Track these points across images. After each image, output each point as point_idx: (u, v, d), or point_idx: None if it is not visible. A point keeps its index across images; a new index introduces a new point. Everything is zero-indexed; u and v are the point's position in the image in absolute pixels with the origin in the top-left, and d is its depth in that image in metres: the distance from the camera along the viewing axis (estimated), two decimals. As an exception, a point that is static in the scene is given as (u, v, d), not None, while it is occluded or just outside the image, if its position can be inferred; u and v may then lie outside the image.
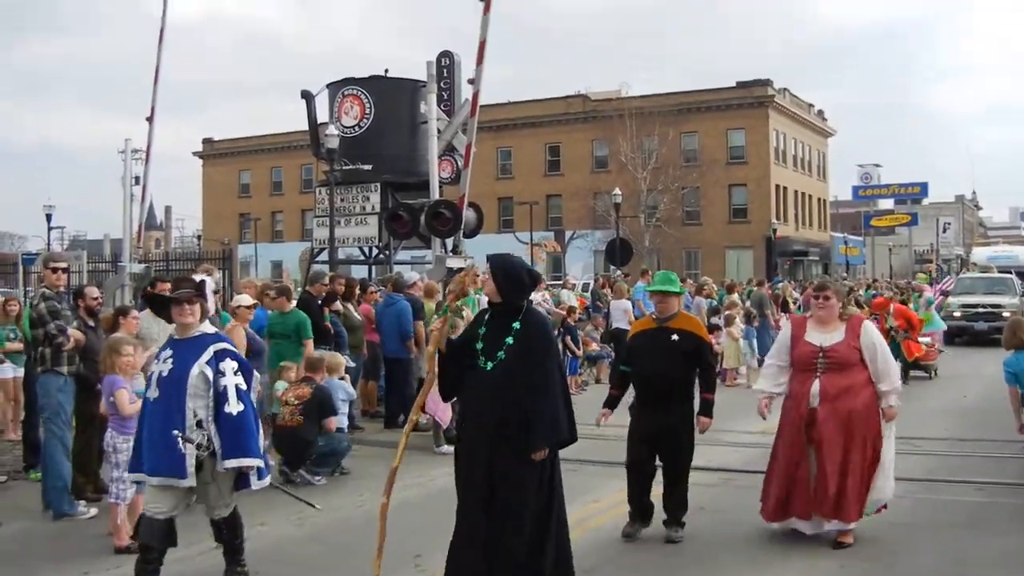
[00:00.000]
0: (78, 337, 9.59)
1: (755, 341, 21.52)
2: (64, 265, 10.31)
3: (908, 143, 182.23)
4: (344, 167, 24.89)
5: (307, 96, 25.99)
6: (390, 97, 25.52)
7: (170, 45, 24.06)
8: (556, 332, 9.16)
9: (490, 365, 6.29)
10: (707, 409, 8.37)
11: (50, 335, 9.34)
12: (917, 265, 73.87)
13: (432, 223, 21.96)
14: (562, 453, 6.59)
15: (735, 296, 24.02)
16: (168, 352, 6.69)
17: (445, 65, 25.81)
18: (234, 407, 6.53)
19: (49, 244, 53.51)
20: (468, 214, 22.83)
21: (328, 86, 26.43)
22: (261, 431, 6.84)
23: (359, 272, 26.96)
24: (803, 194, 70.50)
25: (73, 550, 8.24)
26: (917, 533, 8.48)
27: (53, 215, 51.21)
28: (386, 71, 26.21)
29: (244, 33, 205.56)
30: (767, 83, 64.12)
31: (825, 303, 8.19)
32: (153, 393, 6.60)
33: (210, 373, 6.55)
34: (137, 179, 26.88)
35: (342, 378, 12.40)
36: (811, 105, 74.41)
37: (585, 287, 35.05)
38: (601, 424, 8.49)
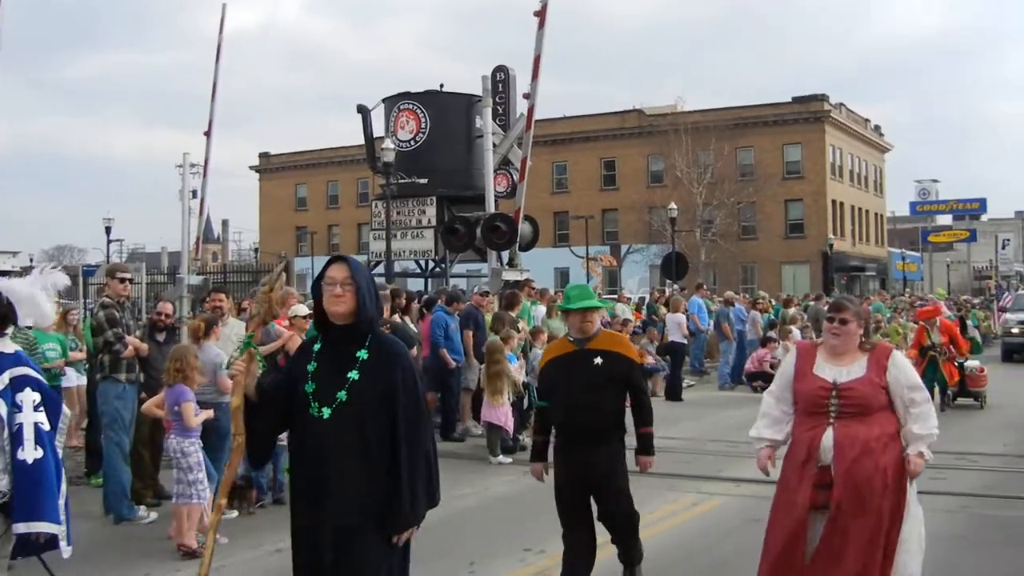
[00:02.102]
0: (137, 345, 9.78)
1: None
2: (130, 276, 10.59)
3: (967, 158, 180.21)
4: (400, 181, 25.09)
5: (363, 111, 26.27)
6: (446, 111, 25.74)
7: (225, 57, 24.41)
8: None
9: (327, 412, 4.53)
10: (646, 445, 6.93)
11: (108, 342, 9.56)
12: (976, 281, 73.04)
13: (488, 236, 22.14)
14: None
15: (793, 310, 23.95)
16: None
17: (500, 80, 25.95)
18: (29, 453, 4.72)
19: (108, 257, 54.01)
20: (524, 227, 22.99)
21: (384, 101, 26.70)
22: (64, 485, 4.96)
23: (416, 285, 27.14)
24: (860, 209, 69.96)
25: (134, 553, 8.43)
26: (974, 549, 8.32)
27: (112, 228, 51.71)
28: (441, 86, 26.43)
29: (299, 45, 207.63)
30: (823, 98, 63.66)
31: (841, 328, 5.92)
32: None
33: (3, 407, 4.76)
34: (195, 193, 27.38)
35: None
36: (867, 120, 73.89)
37: (641, 301, 35.02)
38: (544, 480, 7.09)
